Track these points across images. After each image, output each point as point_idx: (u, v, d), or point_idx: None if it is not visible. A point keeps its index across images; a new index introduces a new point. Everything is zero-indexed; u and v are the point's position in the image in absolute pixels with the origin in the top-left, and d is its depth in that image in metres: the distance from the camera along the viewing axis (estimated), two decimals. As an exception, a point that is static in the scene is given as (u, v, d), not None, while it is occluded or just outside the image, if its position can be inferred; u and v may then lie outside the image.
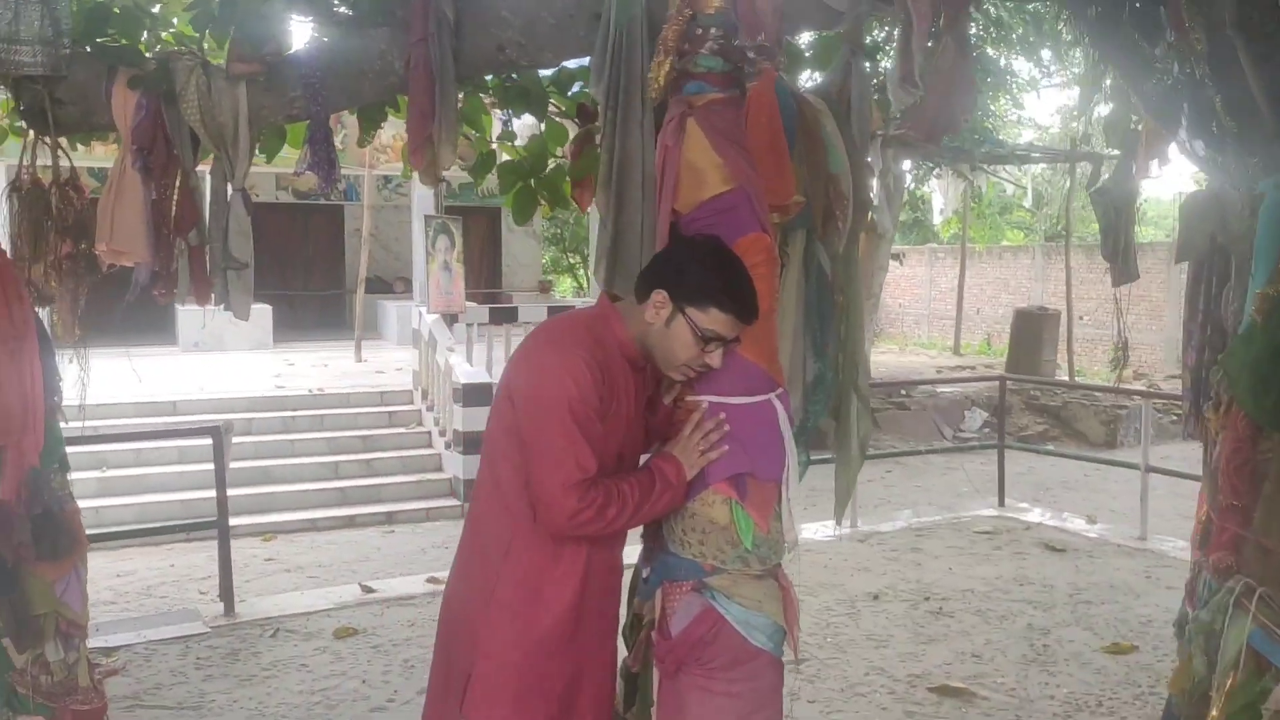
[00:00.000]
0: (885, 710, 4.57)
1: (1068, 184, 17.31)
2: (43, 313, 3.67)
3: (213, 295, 4.03)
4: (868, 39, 4.00)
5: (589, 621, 2.42)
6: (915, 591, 6.15)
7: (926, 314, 24.08)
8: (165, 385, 11.17)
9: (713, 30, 2.67)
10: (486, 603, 2.36)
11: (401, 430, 10.71)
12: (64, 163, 3.74)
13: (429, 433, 10.57)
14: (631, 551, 2.57)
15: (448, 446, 9.97)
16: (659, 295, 2.36)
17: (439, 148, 3.78)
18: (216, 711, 4.68)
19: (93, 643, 5.56)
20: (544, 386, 2.29)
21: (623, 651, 2.67)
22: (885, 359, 18.32)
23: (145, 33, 4.18)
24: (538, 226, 21.44)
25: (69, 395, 3.57)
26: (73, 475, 3.47)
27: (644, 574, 2.61)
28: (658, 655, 2.50)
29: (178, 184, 3.86)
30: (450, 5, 3.58)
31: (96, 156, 8.37)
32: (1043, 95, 28.20)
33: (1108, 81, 4.65)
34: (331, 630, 5.69)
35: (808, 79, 5.27)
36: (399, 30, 3.72)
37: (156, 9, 4.28)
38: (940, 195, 17.47)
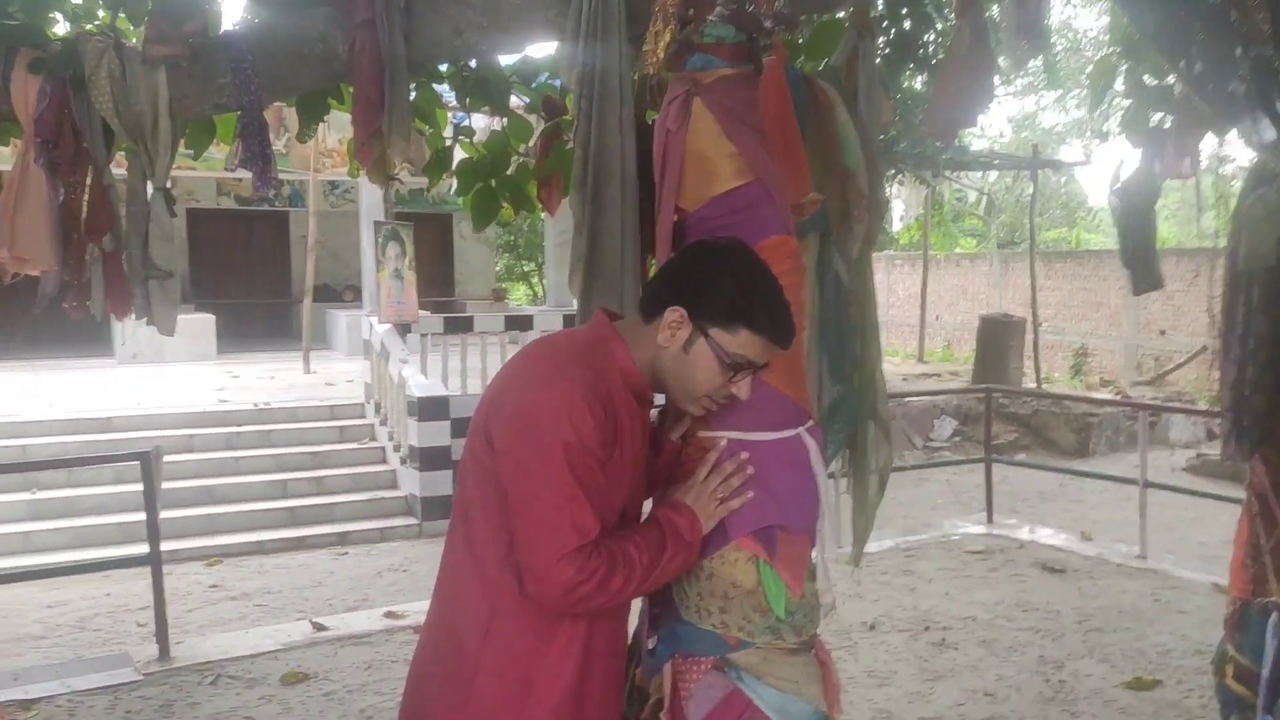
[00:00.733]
0: (895, 762, 4.16)
1: (1030, 190, 17.15)
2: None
3: (133, 308, 3.57)
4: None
5: (590, 715, 1.95)
6: (914, 620, 5.75)
7: (886, 321, 23.85)
8: (100, 400, 10.63)
9: (722, -9, 2.22)
10: (464, 699, 1.89)
11: (353, 446, 10.27)
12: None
13: (383, 448, 10.15)
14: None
15: (403, 462, 9.57)
16: (675, 313, 1.90)
17: (388, 143, 3.36)
18: (144, 778, 4.17)
19: (10, 694, 5.05)
20: (533, 429, 1.82)
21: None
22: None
23: (54, 11, 3.69)
24: (490, 233, 20.98)
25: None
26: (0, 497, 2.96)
27: (649, 645, 2.15)
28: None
29: (89, 182, 3.46)
30: (401, -20, 3.14)
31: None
32: (1001, 103, 28.27)
33: (1120, 78, 4.27)
34: (279, 675, 5.17)
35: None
36: (342, 9, 3.28)
37: (65, -17, 3.79)
38: (901, 202, 17.25)
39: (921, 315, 18.87)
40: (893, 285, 23.66)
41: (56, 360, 13.88)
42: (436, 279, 19.80)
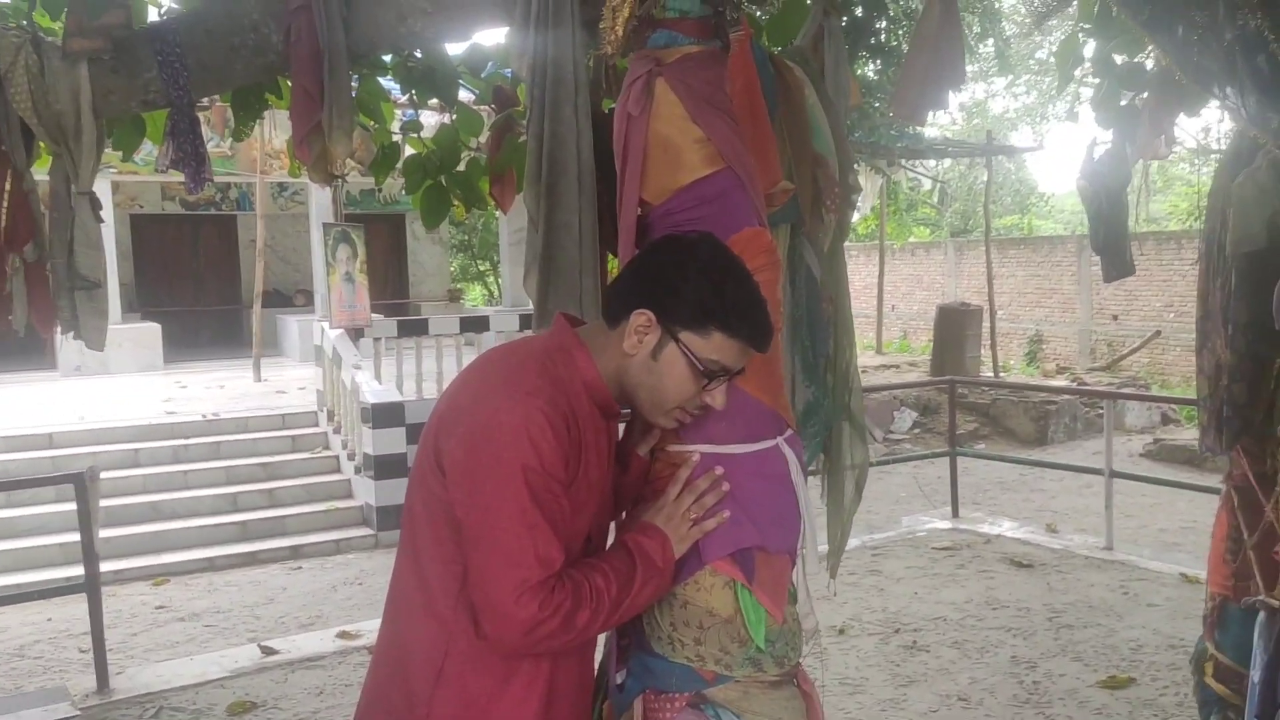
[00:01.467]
0: (870, 771, 4.01)
1: (984, 178, 17.18)
2: None
3: (59, 321, 3.34)
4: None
5: (555, 762, 1.76)
6: (883, 622, 5.61)
7: (843, 312, 23.83)
8: (41, 416, 10.28)
9: (685, -38, 2.04)
10: None
11: (306, 455, 9.99)
12: None
13: (336, 457, 9.89)
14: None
15: (357, 471, 9.34)
16: (642, 317, 1.72)
17: (330, 138, 3.16)
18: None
19: (-68, 738, 4.78)
20: (489, 450, 1.62)
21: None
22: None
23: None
24: (444, 233, 20.70)
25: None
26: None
27: (617, 679, 1.96)
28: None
29: (8, 188, 3.23)
30: (338, -38, 2.96)
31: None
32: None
33: (1088, 59, 4.16)
34: (225, 705, 4.88)
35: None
36: (275, -4, 3.07)
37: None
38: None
39: (879, 306, 18.86)
40: (849, 276, 23.70)
41: (-3, 374, 13.48)
42: (390, 281, 19.52)
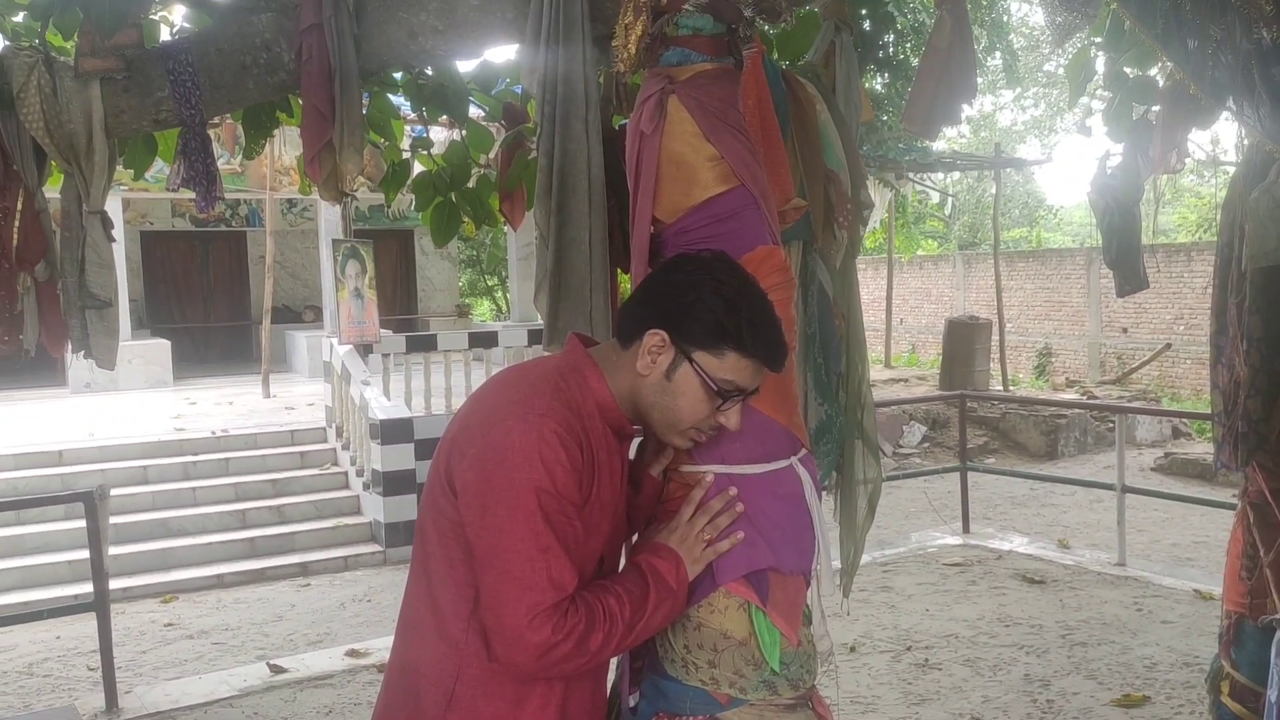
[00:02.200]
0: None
1: (992, 190, 17.17)
2: None
3: (70, 340, 3.34)
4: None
5: (568, 787, 1.74)
6: (895, 640, 5.58)
7: (852, 326, 23.79)
8: (51, 433, 10.30)
9: (699, -20, 2.03)
10: None
11: (315, 472, 10.00)
12: None
13: (345, 473, 9.89)
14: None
15: (366, 488, 9.34)
16: (655, 337, 1.71)
17: (340, 156, 3.16)
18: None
19: (-58, 757, 4.77)
20: (501, 471, 1.61)
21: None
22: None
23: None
24: (453, 248, 20.70)
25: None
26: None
27: (630, 702, 1.95)
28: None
29: (19, 207, 3.23)
30: (349, -18, 2.96)
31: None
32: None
33: (1100, 70, 4.14)
34: (235, 725, 4.91)
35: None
36: (287, 15, 3.09)
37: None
38: (866, 206, 17.18)
39: (888, 320, 18.84)
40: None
41: (6, 392, 13.50)
42: (399, 297, 19.52)
